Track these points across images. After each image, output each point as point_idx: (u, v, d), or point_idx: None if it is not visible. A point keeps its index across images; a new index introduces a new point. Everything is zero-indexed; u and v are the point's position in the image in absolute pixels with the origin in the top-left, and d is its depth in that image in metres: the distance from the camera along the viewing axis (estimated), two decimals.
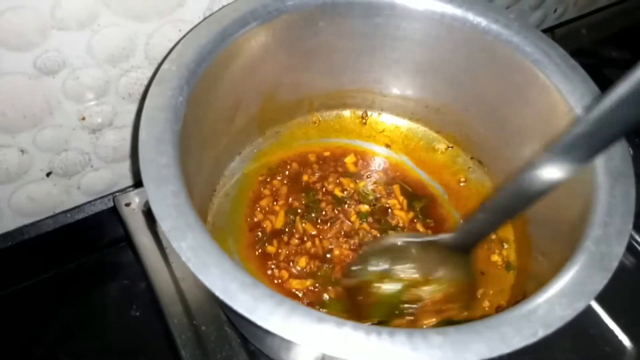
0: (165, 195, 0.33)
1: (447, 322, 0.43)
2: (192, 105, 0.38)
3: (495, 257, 0.49)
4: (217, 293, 0.30)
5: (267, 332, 0.29)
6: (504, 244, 0.50)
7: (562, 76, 0.43)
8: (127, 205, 0.51)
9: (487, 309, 0.46)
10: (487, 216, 0.37)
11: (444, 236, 0.42)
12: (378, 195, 0.53)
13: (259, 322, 0.29)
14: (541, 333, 0.30)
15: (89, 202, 0.53)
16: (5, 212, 0.48)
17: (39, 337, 0.49)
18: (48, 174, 0.48)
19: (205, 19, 0.43)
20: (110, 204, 0.53)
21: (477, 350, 0.29)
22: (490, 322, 0.30)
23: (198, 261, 0.31)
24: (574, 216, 0.38)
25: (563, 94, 0.42)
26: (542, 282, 0.34)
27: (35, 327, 0.50)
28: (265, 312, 0.29)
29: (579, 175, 0.39)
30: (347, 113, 0.57)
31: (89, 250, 0.55)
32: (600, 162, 0.38)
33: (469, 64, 0.49)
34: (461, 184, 0.54)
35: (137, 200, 0.52)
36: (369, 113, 0.57)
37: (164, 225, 0.32)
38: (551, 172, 0.30)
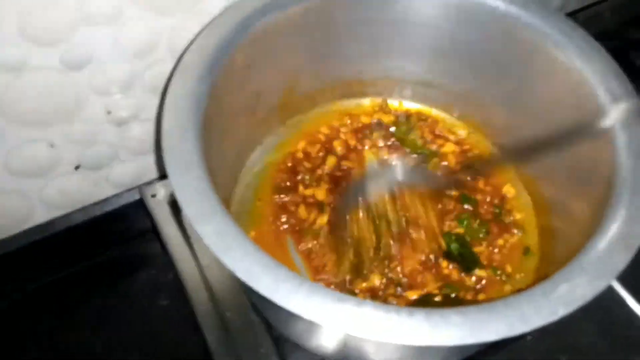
0: (188, 180, 0.33)
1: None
2: (214, 95, 0.39)
3: (514, 241, 0.48)
4: (240, 275, 0.30)
5: (288, 313, 0.29)
6: (525, 227, 0.49)
7: (584, 58, 0.42)
8: (153, 196, 0.52)
9: (509, 293, 0.45)
10: None
11: None
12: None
13: (281, 302, 0.29)
14: (562, 312, 0.30)
15: (117, 194, 0.54)
16: (37, 205, 0.49)
17: (71, 329, 0.50)
18: (77, 167, 0.49)
19: (225, 9, 0.44)
20: (137, 196, 0.54)
21: (497, 329, 0.29)
22: (509, 301, 0.30)
23: (221, 244, 0.31)
24: (596, 198, 0.38)
25: (585, 76, 0.42)
26: (564, 266, 0.33)
27: (67, 319, 0.50)
28: (287, 292, 0.30)
29: (600, 155, 0.39)
30: (367, 101, 0.57)
31: (118, 241, 0.56)
32: (622, 143, 0.38)
33: (489, 47, 0.48)
34: None
35: (162, 191, 0.52)
36: (389, 101, 0.57)
37: (188, 210, 0.32)
38: None
